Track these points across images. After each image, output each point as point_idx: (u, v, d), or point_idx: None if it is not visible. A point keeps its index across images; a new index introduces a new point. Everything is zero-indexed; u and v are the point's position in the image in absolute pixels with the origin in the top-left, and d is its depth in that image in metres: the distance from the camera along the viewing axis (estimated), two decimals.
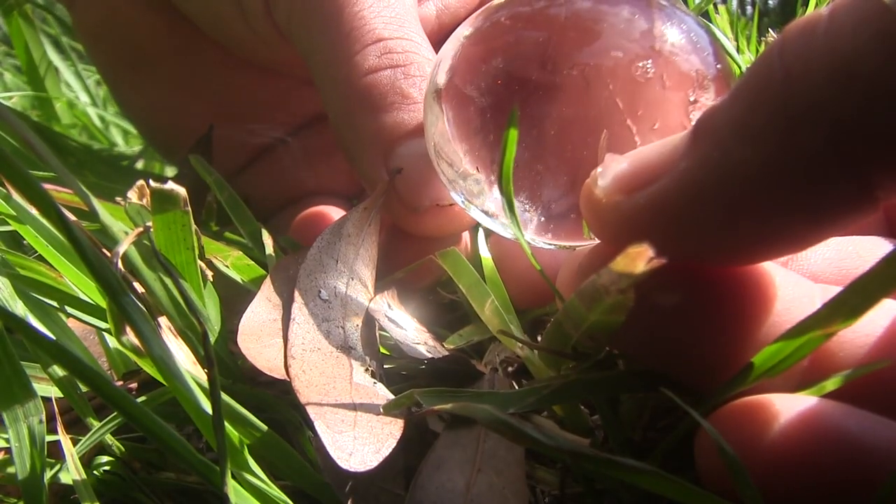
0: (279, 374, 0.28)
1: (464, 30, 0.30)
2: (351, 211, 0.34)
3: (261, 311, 0.31)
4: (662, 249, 0.21)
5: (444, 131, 0.29)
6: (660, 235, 0.21)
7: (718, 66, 0.27)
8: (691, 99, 0.27)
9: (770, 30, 0.70)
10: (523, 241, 0.27)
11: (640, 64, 0.26)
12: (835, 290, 0.24)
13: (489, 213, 0.30)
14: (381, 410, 0.26)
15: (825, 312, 0.19)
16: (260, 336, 0.29)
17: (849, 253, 0.27)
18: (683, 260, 0.22)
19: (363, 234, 0.33)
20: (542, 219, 0.28)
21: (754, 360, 0.21)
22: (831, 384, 0.21)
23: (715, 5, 0.70)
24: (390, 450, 0.25)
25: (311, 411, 0.25)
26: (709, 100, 0.27)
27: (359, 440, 0.25)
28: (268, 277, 0.32)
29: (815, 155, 0.18)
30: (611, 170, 0.22)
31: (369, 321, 0.31)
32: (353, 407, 0.26)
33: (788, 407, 0.20)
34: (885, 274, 0.17)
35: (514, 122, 0.23)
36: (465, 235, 0.39)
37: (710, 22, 0.63)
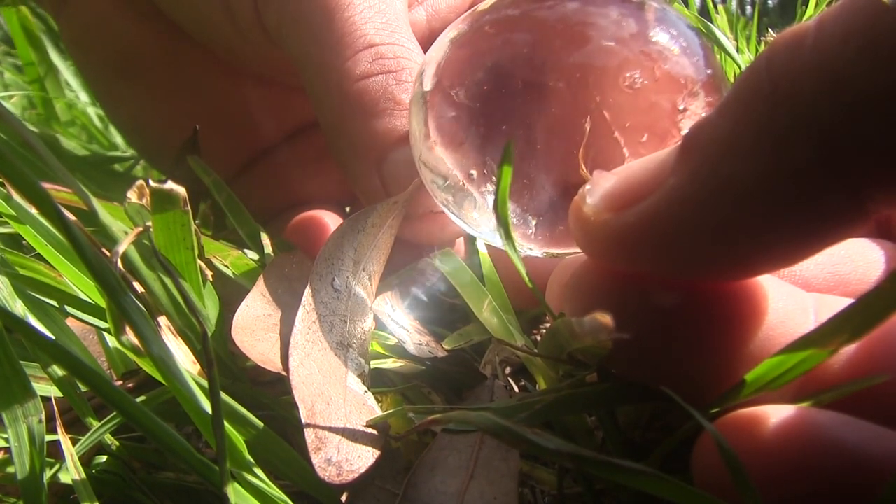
0: (273, 367, 0.28)
1: (450, 33, 0.30)
2: (381, 203, 0.33)
3: (255, 307, 0.31)
4: (653, 266, 0.21)
5: (429, 137, 0.29)
6: (650, 252, 0.21)
7: (709, 71, 0.27)
8: (680, 107, 0.26)
9: (770, 29, 0.70)
10: (516, 258, 0.26)
11: (628, 74, 0.26)
12: (828, 299, 0.24)
13: (475, 220, 0.30)
14: (366, 424, 0.27)
15: (828, 328, 0.19)
16: (254, 330, 0.29)
17: (840, 257, 0.27)
18: (674, 276, 0.22)
19: (383, 228, 0.33)
20: (531, 229, 0.28)
21: (752, 373, 0.21)
22: (827, 397, 0.21)
23: (715, 5, 0.70)
24: (367, 467, 0.25)
25: (304, 414, 0.25)
26: (698, 107, 0.26)
27: (342, 453, 0.25)
28: (262, 273, 0.32)
29: (805, 169, 0.17)
30: (599, 187, 0.22)
31: (369, 321, 0.31)
32: (343, 416, 0.26)
33: (786, 417, 0.20)
34: (891, 292, 0.17)
35: (509, 159, 0.22)
36: (460, 241, 0.39)
37: (710, 21, 0.63)
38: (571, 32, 0.27)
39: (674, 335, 0.22)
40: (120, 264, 0.25)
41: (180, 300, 0.28)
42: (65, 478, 0.27)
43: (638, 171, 0.22)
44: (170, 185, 0.27)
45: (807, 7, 0.69)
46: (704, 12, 0.71)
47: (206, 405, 0.22)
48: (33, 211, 0.30)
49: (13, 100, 0.78)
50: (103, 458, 0.30)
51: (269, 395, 0.30)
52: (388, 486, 0.26)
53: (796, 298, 0.23)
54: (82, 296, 0.31)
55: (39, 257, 0.31)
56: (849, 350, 0.22)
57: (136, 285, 0.27)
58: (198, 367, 0.27)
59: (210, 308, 0.31)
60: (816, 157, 0.17)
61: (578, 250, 0.28)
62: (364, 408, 0.27)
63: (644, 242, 0.21)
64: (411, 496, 0.25)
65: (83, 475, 0.26)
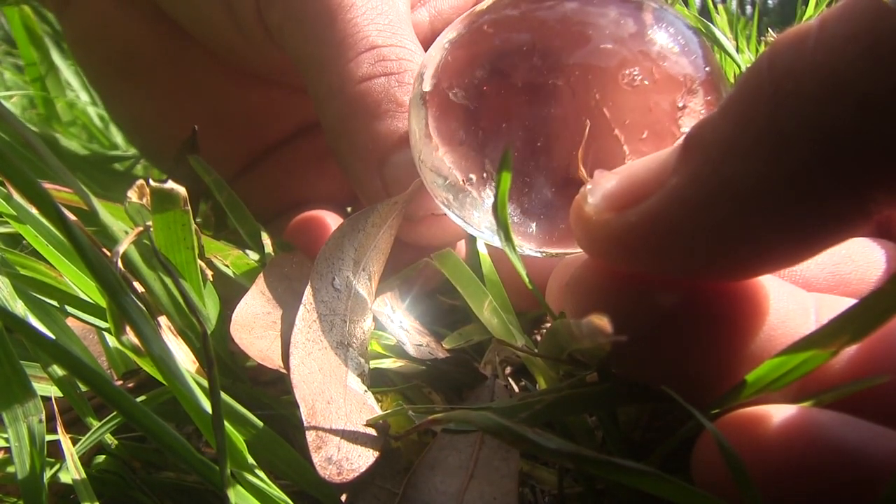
0: (272, 364, 0.28)
1: (449, 34, 0.29)
2: (381, 203, 0.33)
3: (254, 304, 0.31)
4: (654, 266, 0.21)
5: (429, 138, 0.29)
6: (651, 252, 0.21)
7: (707, 69, 0.27)
8: (680, 104, 0.26)
9: (770, 29, 0.70)
10: (516, 260, 0.26)
11: (627, 71, 0.26)
12: (828, 299, 0.24)
13: (476, 220, 0.29)
14: (366, 423, 0.27)
15: (830, 329, 0.19)
16: (253, 328, 0.29)
17: (841, 257, 0.27)
18: (675, 276, 0.22)
19: (383, 228, 0.33)
20: (531, 228, 0.28)
21: (753, 373, 0.21)
22: (829, 397, 0.21)
23: (715, 5, 0.70)
24: (368, 466, 0.25)
25: (305, 413, 0.25)
26: (697, 104, 0.26)
27: (342, 452, 0.25)
28: (262, 272, 0.32)
29: (806, 170, 0.17)
30: (600, 187, 0.22)
31: (369, 321, 0.31)
32: (344, 416, 0.26)
33: (787, 417, 0.20)
34: (892, 294, 0.17)
35: (507, 164, 0.22)
36: (460, 241, 0.39)
37: (710, 22, 0.63)
38: (570, 32, 0.27)
39: (675, 335, 0.22)
40: (120, 264, 0.25)
41: (180, 300, 0.28)
42: (65, 477, 0.27)
43: (639, 170, 0.22)
44: (170, 184, 0.27)
45: (807, 7, 0.69)
46: (704, 12, 0.71)
47: (207, 405, 0.22)
48: (34, 211, 0.30)
49: (13, 99, 0.78)
50: (103, 458, 0.30)
51: (270, 394, 0.30)
52: (388, 486, 0.26)
53: (797, 298, 0.23)
54: (82, 296, 0.31)
55: (40, 257, 0.31)
56: (850, 350, 0.22)
57: (137, 285, 0.27)
58: (198, 366, 0.27)
59: (210, 308, 0.31)
60: (818, 157, 0.17)
61: (579, 250, 0.28)
62: (364, 407, 0.27)
63: (645, 242, 0.21)
64: (411, 496, 0.25)
65: (83, 475, 0.26)
